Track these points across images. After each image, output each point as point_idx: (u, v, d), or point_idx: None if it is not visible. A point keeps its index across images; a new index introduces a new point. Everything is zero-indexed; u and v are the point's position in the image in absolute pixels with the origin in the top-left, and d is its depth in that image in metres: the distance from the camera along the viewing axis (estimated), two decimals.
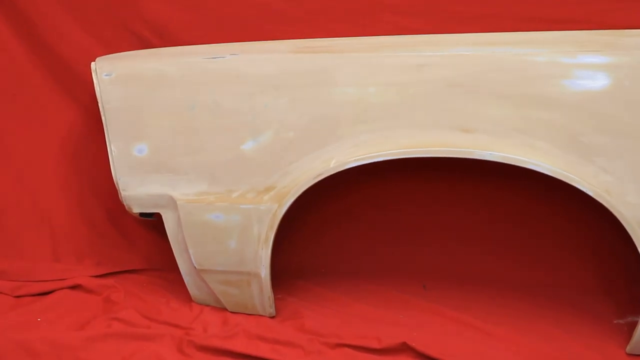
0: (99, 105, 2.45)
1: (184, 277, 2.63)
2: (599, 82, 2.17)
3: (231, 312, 2.60)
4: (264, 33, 2.61)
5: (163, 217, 2.53)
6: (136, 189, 2.50)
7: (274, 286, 2.56)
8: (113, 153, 2.48)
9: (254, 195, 2.39)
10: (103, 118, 2.45)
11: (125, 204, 2.54)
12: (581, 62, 2.18)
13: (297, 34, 2.57)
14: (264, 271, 2.46)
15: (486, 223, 2.82)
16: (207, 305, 2.65)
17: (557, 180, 2.20)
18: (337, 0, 2.61)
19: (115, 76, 2.43)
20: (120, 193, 2.52)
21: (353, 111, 2.31)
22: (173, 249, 2.57)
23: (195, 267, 2.54)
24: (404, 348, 2.35)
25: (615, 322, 2.56)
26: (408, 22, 2.56)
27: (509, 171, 2.27)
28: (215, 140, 2.40)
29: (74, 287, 2.80)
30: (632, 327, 2.39)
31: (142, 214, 2.59)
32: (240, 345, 2.38)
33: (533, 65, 2.22)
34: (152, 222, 2.81)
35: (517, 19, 2.49)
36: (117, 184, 2.51)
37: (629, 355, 2.36)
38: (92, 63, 2.47)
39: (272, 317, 2.57)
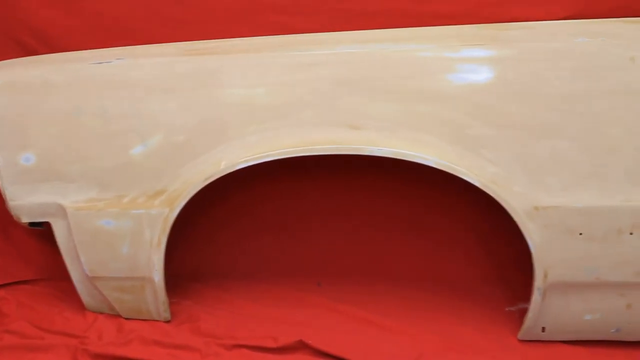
0: None
1: (76, 285, 2.59)
2: (482, 75, 2.22)
3: (126, 318, 2.57)
4: (151, 36, 2.59)
5: (53, 225, 2.49)
6: (24, 198, 2.45)
7: (169, 290, 2.54)
8: None
9: (144, 200, 2.37)
10: None
11: (13, 213, 2.49)
12: (465, 56, 2.23)
13: (184, 36, 2.55)
14: (158, 276, 2.44)
15: (379, 218, 2.85)
16: (101, 313, 2.62)
17: (448, 173, 2.22)
18: (223, 2, 2.59)
19: None
20: (7, 203, 2.47)
21: (242, 112, 2.32)
22: (64, 258, 2.53)
23: (87, 275, 2.51)
24: (300, 346, 2.37)
25: (507, 309, 2.62)
26: (294, 22, 2.57)
27: (401, 166, 2.29)
28: (103, 146, 2.37)
29: None
30: (523, 314, 2.44)
31: (31, 224, 2.54)
32: (136, 352, 2.37)
33: (418, 60, 2.26)
34: (43, 231, 2.75)
35: (401, 15, 2.52)
36: (4, 193, 2.46)
37: (521, 341, 2.43)
38: None
39: (168, 322, 2.56)
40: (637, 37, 2.18)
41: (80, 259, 2.47)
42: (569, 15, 2.39)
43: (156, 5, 2.62)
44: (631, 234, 2.21)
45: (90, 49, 2.50)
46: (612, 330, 2.34)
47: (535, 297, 2.30)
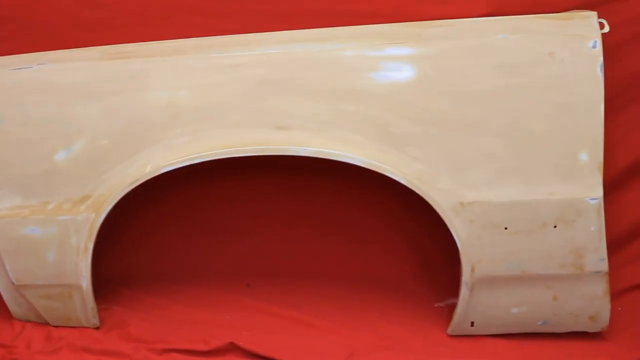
0: None
1: (2, 294, 2.55)
2: (405, 73, 2.25)
3: (54, 326, 2.53)
4: (72, 41, 2.55)
5: None
6: None
7: (98, 297, 2.52)
8: None
9: (70, 206, 2.35)
10: None
11: None
12: (388, 55, 2.26)
13: (106, 40, 2.51)
14: (85, 282, 2.42)
15: (308, 218, 2.84)
16: (29, 321, 2.57)
17: (375, 172, 2.24)
18: (145, 4, 2.57)
19: None
20: None
21: (167, 115, 2.32)
22: None
23: (14, 283, 2.47)
24: (232, 348, 2.37)
25: (436, 305, 2.64)
26: (217, 24, 2.55)
27: (329, 166, 2.31)
28: (26, 152, 2.35)
29: None
30: (452, 309, 2.46)
31: None
32: (65, 359, 2.33)
33: (341, 60, 2.28)
34: None
35: (323, 15, 2.51)
36: None
37: (450, 336, 2.45)
38: None
39: (97, 328, 2.52)
40: (555, 33, 2.23)
41: (5, 267, 2.43)
42: (490, 12, 2.41)
43: (76, 10, 2.58)
44: (555, 227, 2.25)
45: (9, 54, 2.47)
46: (540, 323, 2.38)
47: (463, 292, 2.33)
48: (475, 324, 2.39)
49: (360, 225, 2.82)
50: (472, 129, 2.23)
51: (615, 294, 2.50)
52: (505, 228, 2.26)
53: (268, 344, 2.35)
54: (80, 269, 2.39)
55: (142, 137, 2.32)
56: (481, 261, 2.28)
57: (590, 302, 2.33)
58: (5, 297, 2.55)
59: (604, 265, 2.28)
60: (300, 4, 2.53)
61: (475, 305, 2.35)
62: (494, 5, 2.44)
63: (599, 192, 2.23)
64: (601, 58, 2.19)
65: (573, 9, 2.39)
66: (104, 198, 2.33)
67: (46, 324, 2.54)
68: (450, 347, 2.39)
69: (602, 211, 2.24)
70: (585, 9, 2.37)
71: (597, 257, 2.26)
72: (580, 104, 2.20)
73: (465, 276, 2.30)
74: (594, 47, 2.19)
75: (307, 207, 2.82)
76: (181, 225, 2.86)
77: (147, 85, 2.31)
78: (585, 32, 2.21)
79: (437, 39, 2.27)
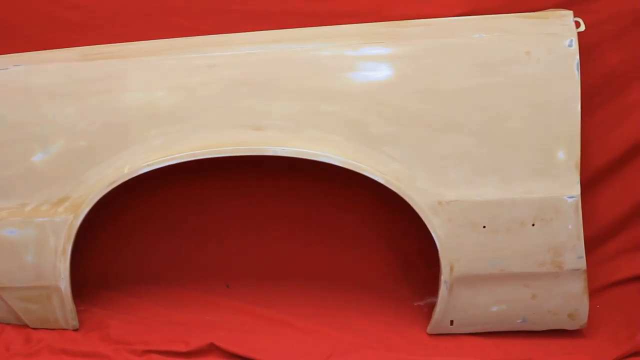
0: None
1: None
2: (382, 72, 2.25)
3: (33, 328, 2.51)
4: (48, 42, 2.54)
5: None
6: None
7: (77, 298, 2.51)
8: None
9: (48, 208, 2.34)
10: None
11: None
12: (364, 55, 2.26)
13: (83, 41, 2.51)
14: (64, 284, 2.41)
15: (286, 218, 2.84)
16: (8, 324, 2.55)
17: (352, 171, 2.24)
18: (121, 5, 2.56)
19: None
20: None
21: (144, 116, 2.31)
22: None
23: None
24: (212, 349, 2.36)
25: (415, 304, 2.65)
26: (193, 23, 2.55)
27: (307, 166, 2.31)
28: (3, 153, 2.35)
29: None
30: (431, 308, 2.46)
31: None
32: None
33: (318, 59, 2.28)
34: None
35: (300, 15, 2.52)
36: None
37: (430, 335, 2.45)
38: None
39: (76, 330, 2.50)
40: (532, 32, 2.24)
41: None
42: (466, 12, 2.43)
43: (52, 10, 2.57)
44: (533, 225, 2.26)
45: None
46: (519, 321, 2.38)
47: (442, 290, 2.33)
48: (454, 323, 2.40)
49: (339, 225, 2.82)
50: (450, 128, 2.24)
51: (594, 292, 2.52)
52: (484, 227, 2.27)
53: (248, 344, 2.34)
54: (59, 271, 2.38)
55: (120, 138, 2.32)
56: (460, 260, 2.29)
57: (568, 300, 2.34)
58: None
59: (582, 263, 2.29)
60: (277, 4, 2.53)
61: (454, 304, 2.36)
62: (470, 4, 2.45)
63: (577, 190, 2.24)
64: (577, 57, 2.20)
65: (549, 8, 2.40)
66: (82, 199, 2.32)
67: (25, 326, 2.52)
68: (430, 346, 2.39)
69: (580, 209, 2.25)
70: (561, 7, 2.37)
71: (575, 255, 2.28)
72: (556, 102, 2.22)
73: (444, 275, 2.31)
74: (570, 46, 2.20)
75: (286, 208, 2.81)
76: (160, 226, 2.85)
77: (124, 86, 2.31)
78: (561, 31, 2.22)
79: (414, 38, 2.28)
